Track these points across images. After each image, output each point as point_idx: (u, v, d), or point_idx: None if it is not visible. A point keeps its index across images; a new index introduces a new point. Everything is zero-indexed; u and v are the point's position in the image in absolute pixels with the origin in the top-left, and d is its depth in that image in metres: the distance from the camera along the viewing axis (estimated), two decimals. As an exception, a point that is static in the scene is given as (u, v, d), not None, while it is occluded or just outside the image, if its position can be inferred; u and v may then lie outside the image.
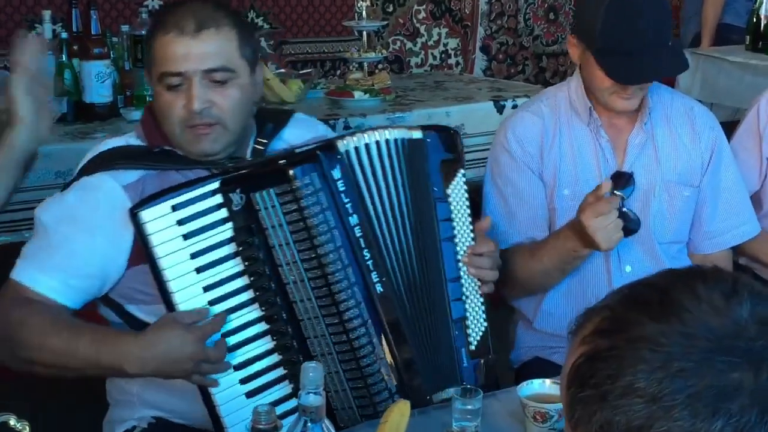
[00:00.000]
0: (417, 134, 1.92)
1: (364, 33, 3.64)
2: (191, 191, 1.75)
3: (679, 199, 2.30)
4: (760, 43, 4.36)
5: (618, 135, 2.29)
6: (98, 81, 3.07)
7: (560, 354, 2.30)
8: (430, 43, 4.95)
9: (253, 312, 1.79)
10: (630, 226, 2.16)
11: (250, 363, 1.79)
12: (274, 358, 1.80)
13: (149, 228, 1.72)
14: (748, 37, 4.44)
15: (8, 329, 1.76)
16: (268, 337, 1.80)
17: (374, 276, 1.79)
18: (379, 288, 1.80)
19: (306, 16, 4.61)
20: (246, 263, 1.77)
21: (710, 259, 2.38)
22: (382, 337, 1.80)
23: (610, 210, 2.02)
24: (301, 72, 3.68)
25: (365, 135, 1.84)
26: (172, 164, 1.87)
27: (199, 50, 1.82)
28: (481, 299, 1.97)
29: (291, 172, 1.74)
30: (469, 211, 1.95)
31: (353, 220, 1.78)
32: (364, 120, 3.24)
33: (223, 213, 1.76)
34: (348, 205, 1.78)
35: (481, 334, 1.96)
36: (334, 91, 3.51)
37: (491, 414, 1.74)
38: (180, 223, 1.74)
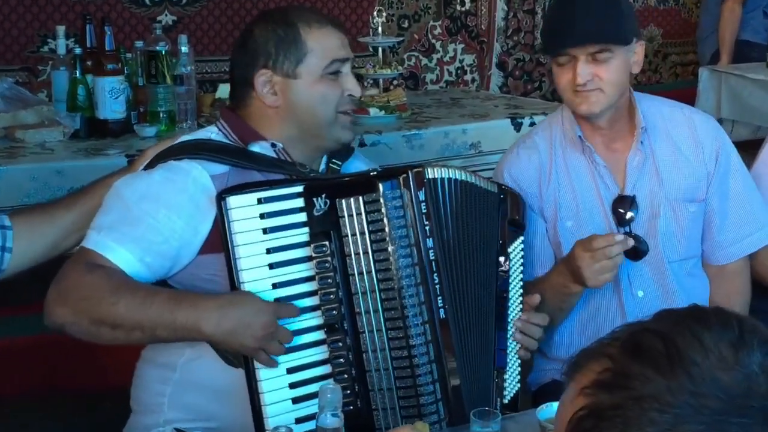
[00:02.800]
0: (492, 187, 2.07)
1: (380, 49, 3.66)
2: (278, 189, 1.85)
3: (685, 216, 2.31)
4: (782, 60, 4.36)
5: (616, 158, 2.30)
6: (112, 97, 3.12)
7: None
8: (446, 59, 4.99)
9: (315, 319, 1.86)
10: (639, 248, 2.20)
11: (302, 369, 1.85)
12: (327, 368, 1.86)
13: (233, 215, 1.80)
14: (768, 54, 4.45)
15: (82, 289, 1.79)
16: (324, 346, 1.86)
17: (440, 301, 1.88)
18: (442, 313, 1.88)
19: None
20: (317, 269, 1.85)
21: (726, 270, 2.38)
22: (440, 360, 1.87)
23: (605, 246, 2.06)
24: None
25: (448, 170, 1.96)
26: (256, 165, 1.96)
27: (347, 41, 2.05)
28: (519, 361, 2.07)
29: (381, 184, 1.85)
30: (522, 275, 2.09)
31: (429, 242, 1.88)
32: (379, 137, 3.29)
33: (302, 216, 1.85)
34: (427, 228, 1.88)
35: (514, 391, 2.06)
36: (349, 108, 3.52)
37: (510, 437, 1.80)
38: (263, 216, 1.82)
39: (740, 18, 4.89)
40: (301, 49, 1.98)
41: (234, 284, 1.81)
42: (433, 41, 4.96)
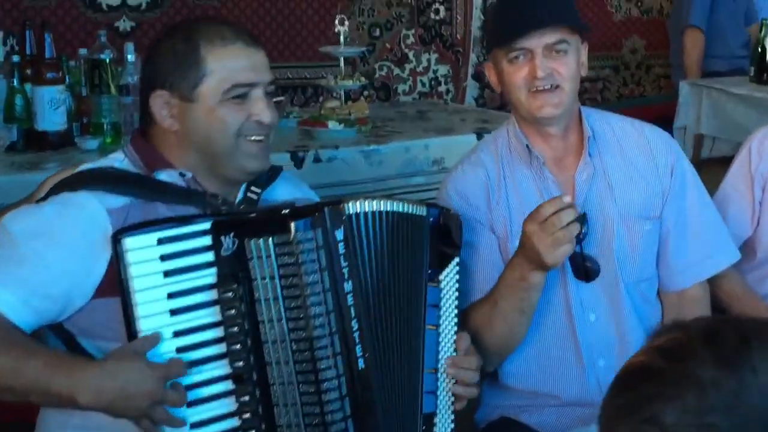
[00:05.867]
0: (421, 211, 1.91)
1: (341, 59, 3.54)
2: (181, 227, 1.71)
3: (639, 234, 2.18)
4: (765, 75, 4.25)
5: (565, 173, 2.18)
6: (51, 107, 2.99)
7: (529, 413, 2.20)
8: (419, 69, 4.86)
9: (221, 368, 1.73)
10: (588, 270, 2.08)
11: (207, 423, 1.72)
12: (234, 422, 1.73)
13: (130, 257, 1.67)
14: (752, 68, 4.34)
15: None
16: (232, 398, 1.73)
17: (358, 350, 1.75)
18: (361, 363, 1.75)
19: (287, 40, 4.54)
20: (224, 314, 1.72)
21: (685, 297, 2.26)
22: (357, 416, 1.74)
23: (552, 212, 1.92)
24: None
25: (371, 202, 1.82)
26: (161, 196, 1.82)
27: (263, 62, 1.87)
28: (452, 398, 1.94)
29: (293, 223, 1.70)
30: (457, 302, 1.95)
31: (348, 286, 1.75)
32: (336, 152, 3.16)
33: (209, 256, 1.72)
34: (345, 270, 1.75)
35: None
36: (307, 120, 3.43)
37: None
38: (163, 258, 1.69)
39: (703, 49, 4.84)
40: (199, 69, 1.82)
41: (131, 333, 1.67)
42: (406, 51, 4.84)
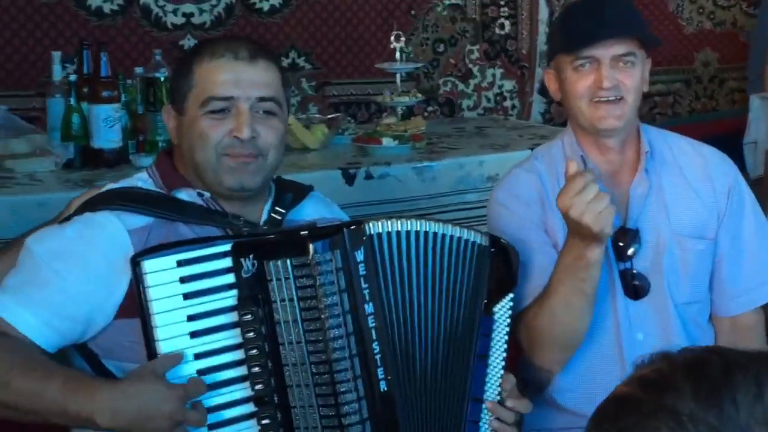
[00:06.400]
0: (482, 240, 1.89)
1: (398, 75, 3.53)
2: (201, 249, 1.72)
3: (692, 253, 2.15)
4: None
5: (619, 187, 2.16)
6: (107, 125, 3.04)
7: (570, 435, 2.14)
8: (484, 84, 4.82)
9: (242, 390, 1.73)
10: (638, 288, 2.07)
11: None
12: None
13: (149, 280, 1.68)
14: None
15: None
16: (254, 421, 1.73)
17: (380, 372, 1.73)
18: (383, 386, 1.73)
19: (351, 56, 4.54)
20: (245, 336, 1.72)
21: (738, 323, 2.21)
22: None
23: (585, 184, 1.89)
24: (327, 117, 3.58)
25: (401, 222, 1.80)
26: (182, 216, 1.83)
27: (254, 77, 1.84)
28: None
29: (312, 245, 1.70)
30: (507, 337, 1.91)
31: (369, 308, 1.74)
32: (388, 169, 3.14)
33: (229, 278, 1.72)
34: (365, 292, 1.73)
35: None
36: (361, 137, 3.43)
37: None
38: (183, 280, 1.70)
39: None
40: (188, 82, 1.85)
41: (151, 355, 1.68)
42: (471, 66, 4.81)
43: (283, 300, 1.69)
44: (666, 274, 2.12)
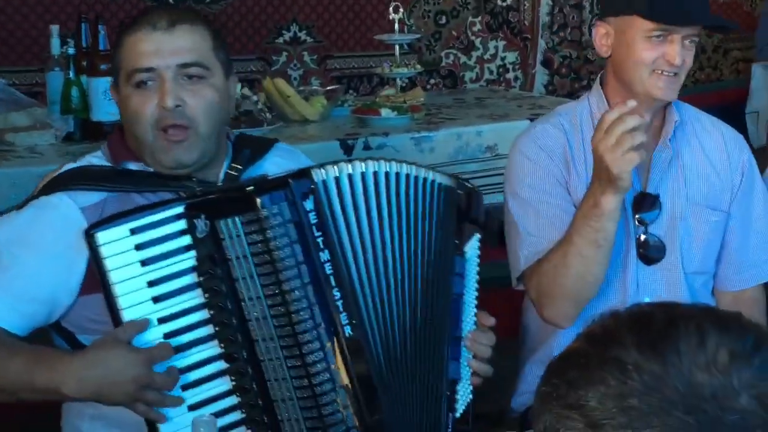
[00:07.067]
0: (449, 182, 1.87)
1: (396, 47, 3.54)
2: (153, 215, 1.71)
3: (707, 224, 2.19)
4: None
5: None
6: (106, 98, 3.03)
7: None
8: (486, 56, 4.82)
9: (212, 349, 1.74)
10: (651, 253, 2.07)
11: (206, 404, 1.73)
12: (233, 399, 1.74)
13: (104, 251, 1.68)
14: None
15: None
16: (226, 377, 1.74)
17: (343, 318, 1.72)
18: (348, 331, 1.72)
19: (352, 29, 4.54)
20: (207, 296, 1.72)
21: (742, 297, 2.23)
22: (348, 386, 1.72)
23: (624, 126, 1.88)
24: (327, 89, 3.59)
25: (348, 165, 1.76)
26: (135, 186, 1.84)
27: (173, 45, 1.82)
28: (470, 370, 1.91)
29: (258, 199, 1.68)
30: (477, 277, 1.91)
31: (324, 255, 1.71)
32: (386, 139, 3.15)
33: (186, 240, 1.72)
34: (319, 240, 1.71)
35: (466, 404, 1.90)
36: (360, 108, 3.44)
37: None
38: (138, 248, 1.70)
39: None
40: (117, 59, 1.86)
41: (117, 325, 1.69)
42: (473, 38, 4.80)
43: (237, 257, 1.69)
44: (680, 243, 2.15)
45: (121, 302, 1.69)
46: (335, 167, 1.74)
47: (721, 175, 2.20)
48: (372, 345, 1.75)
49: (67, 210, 1.80)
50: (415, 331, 1.80)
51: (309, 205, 1.70)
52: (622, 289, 2.15)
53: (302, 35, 4.47)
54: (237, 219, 1.68)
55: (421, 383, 1.81)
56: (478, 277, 1.92)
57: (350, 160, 1.78)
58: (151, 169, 1.87)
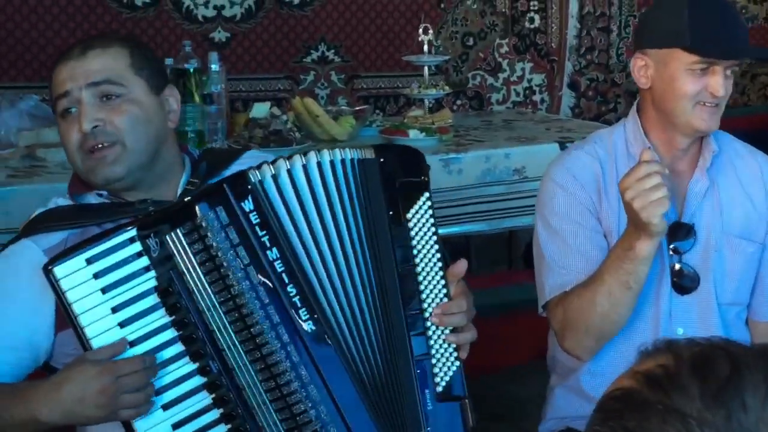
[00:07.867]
0: (367, 154, 1.86)
1: (425, 68, 3.55)
2: (107, 242, 1.72)
3: (742, 255, 2.18)
4: None
5: (678, 181, 2.16)
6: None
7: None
8: (513, 78, 4.82)
9: (186, 366, 1.75)
10: (685, 283, 2.06)
11: (189, 420, 1.75)
12: (215, 413, 1.76)
13: (64, 284, 1.70)
14: None
15: None
16: (204, 392, 1.76)
17: (303, 313, 1.73)
18: (309, 326, 1.73)
19: (380, 50, 4.57)
20: (171, 314, 1.74)
21: None
22: (322, 381, 1.74)
23: (649, 172, 1.90)
24: (355, 108, 3.60)
25: (285, 162, 1.78)
26: (94, 219, 1.86)
27: (84, 68, 1.85)
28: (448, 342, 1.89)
29: (196, 208, 1.70)
30: (435, 237, 1.88)
31: (272, 254, 1.73)
32: (414, 161, 3.13)
33: (144, 261, 1.73)
34: (265, 239, 1.72)
35: (451, 373, 1.87)
36: (388, 129, 3.45)
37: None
38: (96, 276, 1.72)
39: None
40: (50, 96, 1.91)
41: None
42: (500, 60, 4.82)
43: (188, 270, 1.70)
44: (714, 273, 2.15)
45: (88, 332, 1.71)
46: (270, 167, 1.76)
47: (757, 204, 2.19)
48: (339, 336, 1.76)
49: (31, 255, 1.82)
50: (376, 313, 1.81)
51: (248, 205, 1.71)
52: (654, 318, 2.14)
53: (330, 54, 4.49)
54: (179, 231, 1.70)
55: (385, 366, 1.81)
56: (436, 236, 1.87)
57: (289, 157, 1.80)
58: (104, 195, 1.90)
